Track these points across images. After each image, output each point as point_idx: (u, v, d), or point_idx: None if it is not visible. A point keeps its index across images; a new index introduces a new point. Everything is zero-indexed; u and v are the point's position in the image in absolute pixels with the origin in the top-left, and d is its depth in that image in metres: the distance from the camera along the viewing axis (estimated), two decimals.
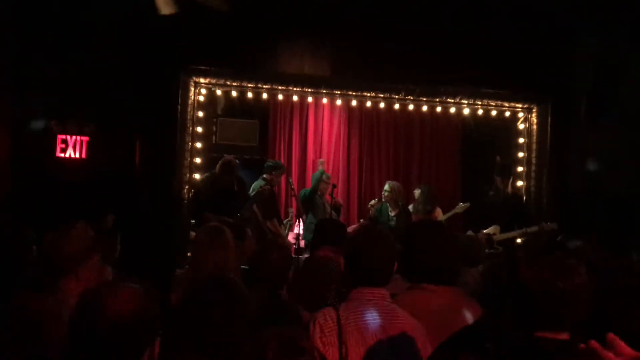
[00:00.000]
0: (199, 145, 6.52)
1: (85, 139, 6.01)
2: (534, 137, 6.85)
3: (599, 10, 6.10)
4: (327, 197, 6.77)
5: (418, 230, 2.53)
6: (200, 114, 6.59)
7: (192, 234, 6.04)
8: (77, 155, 5.96)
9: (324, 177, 6.98)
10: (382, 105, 7.15)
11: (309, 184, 7.87)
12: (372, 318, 2.04)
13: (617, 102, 6.53)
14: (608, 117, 6.52)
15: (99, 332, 1.58)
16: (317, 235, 3.62)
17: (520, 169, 6.98)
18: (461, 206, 6.83)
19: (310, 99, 7.50)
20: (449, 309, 2.29)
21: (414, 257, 2.37)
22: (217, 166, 6.03)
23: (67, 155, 5.94)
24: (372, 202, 6.99)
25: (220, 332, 1.75)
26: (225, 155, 6.48)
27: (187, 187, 6.27)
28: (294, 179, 7.82)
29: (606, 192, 6.52)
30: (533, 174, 6.84)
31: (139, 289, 1.72)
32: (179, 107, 6.18)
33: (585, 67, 6.59)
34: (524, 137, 7.02)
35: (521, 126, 7.07)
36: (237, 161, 6.19)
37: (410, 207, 7.03)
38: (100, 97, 5.88)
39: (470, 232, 5.61)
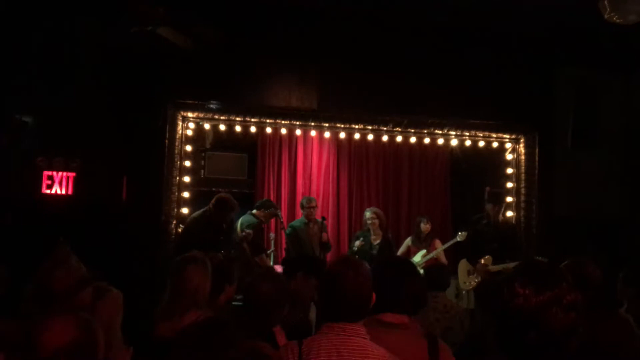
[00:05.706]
0: (187, 179, 6.48)
1: (72, 174, 5.96)
2: (522, 168, 6.87)
3: (575, 39, 6.22)
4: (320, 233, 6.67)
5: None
6: (189, 147, 6.58)
7: None
8: (64, 192, 5.90)
9: (304, 201, 6.91)
10: (370, 137, 7.17)
11: (298, 217, 7.82)
12: (337, 353, 1.97)
13: (598, 127, 6.59)
14: (591, 143, 6.59)
15: None
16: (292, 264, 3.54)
17: (509, 199, 6.99)
18: (461, 235, 6.74)
19: (298, 132, 7.51)
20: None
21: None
22: (212, 202, 5.85)
23: (53, 191, 5.88)
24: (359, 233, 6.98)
25: None
26: (219, 190, 6.44)
27: (174, 222, 6.20)
28: (283, 212, 7.75)
29: (593, 217, 6.57)
30: (522, 204, 6.84)
31: (75, 316, 1.65)
32: (166, 141, 6.17)
33: (567, 95, 6.64)
34: (512, 168, 7.05)
35: (509, 156, 7.10)
36: (236, 202, 5.96)
37: (409, 239, 7.04)
38: (87, 133, 5.85)
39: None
